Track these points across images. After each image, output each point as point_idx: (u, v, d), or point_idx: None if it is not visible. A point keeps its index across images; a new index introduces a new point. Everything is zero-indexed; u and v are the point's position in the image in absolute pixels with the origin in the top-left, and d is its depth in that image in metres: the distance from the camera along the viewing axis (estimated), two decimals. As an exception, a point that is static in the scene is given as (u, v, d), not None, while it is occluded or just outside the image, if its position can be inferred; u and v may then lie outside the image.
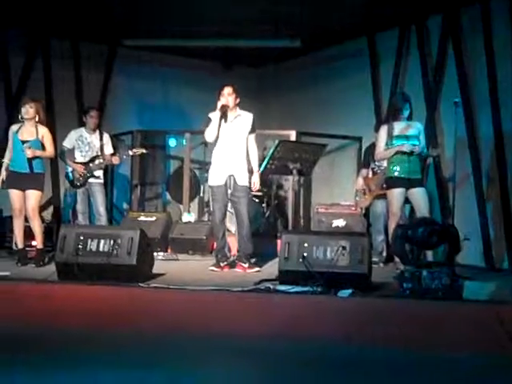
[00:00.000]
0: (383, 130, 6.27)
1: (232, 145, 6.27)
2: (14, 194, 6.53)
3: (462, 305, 4.38)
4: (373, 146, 7.40)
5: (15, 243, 7.85)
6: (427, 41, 8.32)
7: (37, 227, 6.56)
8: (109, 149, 7.77)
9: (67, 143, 7.71)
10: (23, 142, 6.50)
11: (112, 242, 5.13)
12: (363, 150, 8.33)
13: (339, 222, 7.97)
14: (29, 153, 6.41)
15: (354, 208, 8.02)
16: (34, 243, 7.83)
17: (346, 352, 3.96)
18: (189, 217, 8.53)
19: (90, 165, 7.60)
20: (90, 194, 7.63)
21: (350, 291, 4.56)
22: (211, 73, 10.24)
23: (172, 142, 9.90)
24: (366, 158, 7.49)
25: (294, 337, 4.17)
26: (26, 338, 4.17)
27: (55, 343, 4.09)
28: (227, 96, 6.24)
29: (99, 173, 7.65)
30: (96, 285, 4.88)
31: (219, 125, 6.22)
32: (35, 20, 8.87)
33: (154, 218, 8.23)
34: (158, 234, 7.87)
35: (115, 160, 7.77)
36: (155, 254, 6.45)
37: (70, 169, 7.65)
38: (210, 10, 8.19)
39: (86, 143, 7.67)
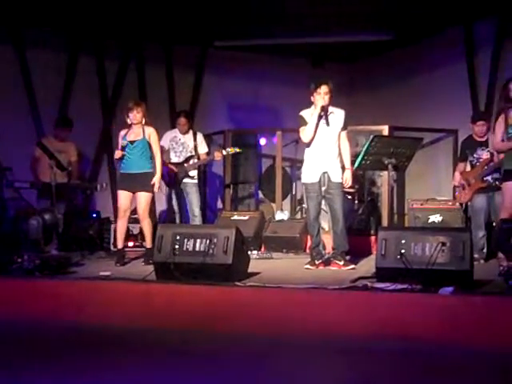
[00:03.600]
0: (501, 118, 5.94)
1: (325, 142, 6.18)
2: (123, 195, 6.67)
3: None
4: (470, 139, 7.18)
5: (113, 244, 8.12)
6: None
7: (147, 227, 6.66)
8: (203, 148, 7.86)
9: (161, 144, 7.84)
10: (131, 143, 6.64)
11: (208, 241, 5.14)
12: (459, 142, 8.08)
13: (436, 218, 7.76)
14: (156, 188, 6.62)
15: (451, 203, 7.78)
16: (130, 244, 8.08)
17: (449, 353, 3.82)
18: (282, 215, 8.52)
19: (185, 165, 7.71)
20: (184, 195, 7.74)
21: (451, 289, 4.39)
22: (301, 70, 10.19)
23: (262, 141, 9.92)
24: (464, 152, 7.24)
25: (394, 337, 4.07)
26: (125, 337, 4.25)
27: (153, 343, 4.14)
28: (324, 95, 6.08)
29: (194, 173, 7.74)
30: (193, 284, 4.91)
31: (317, 126, 6.13)
32: (129, 25, 9.11)
33: (247, 217, 8.26)
34: (251, 232, 7.89)
35: (217, 156, 7.84)
36: (249, 252, 6.45)
37: (165, 169, 7.79)
38: (300, 6, 8.16)
39: (180, 144, 7.80)
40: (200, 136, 7.90)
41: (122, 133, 6.76)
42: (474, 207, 7.11)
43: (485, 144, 7.00)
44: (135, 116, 6.64)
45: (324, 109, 6.09)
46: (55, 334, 4.40)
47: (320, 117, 6.12)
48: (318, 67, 10.49)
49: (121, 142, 6.69)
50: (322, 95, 6.07)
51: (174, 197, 7.81)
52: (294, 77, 9.91)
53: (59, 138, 8.13)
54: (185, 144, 7.80)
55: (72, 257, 6.39)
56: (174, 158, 7.77)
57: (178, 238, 5.24)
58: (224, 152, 8.02)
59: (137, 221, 8.07)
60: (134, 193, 6.64)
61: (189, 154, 7.77)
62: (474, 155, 7.02)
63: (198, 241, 5.20)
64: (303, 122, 6.19)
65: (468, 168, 7.18)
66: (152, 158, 6.71)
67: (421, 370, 3.50)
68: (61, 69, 9.34)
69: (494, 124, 6.06)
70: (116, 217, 9.09)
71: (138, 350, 3.93)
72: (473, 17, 8.78)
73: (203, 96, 10.32)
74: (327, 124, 6.12)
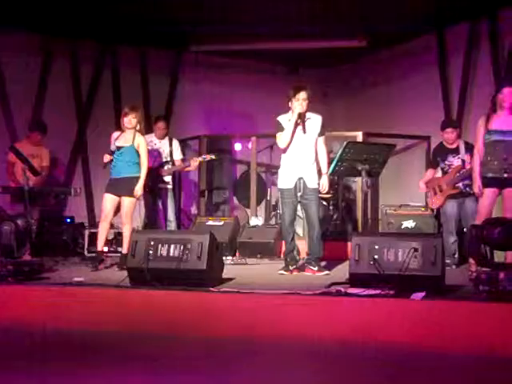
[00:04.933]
0: (481, 122, 5.83)
1: (302, 148, 6.20)
2: (108, 198, 6.65)
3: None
4: (441, 146, 7.27)
5: (87, 249, 8.08)
6: (499, 33, 8.10)
7: (127, 233, 6.62)
8: (178, 155, 7.85)
9: None
10: (118, 148, 6.63)
11: (182, 246, 5.15)
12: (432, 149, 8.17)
13: (409, 223, 7.84)
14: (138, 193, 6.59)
15: (423, 209, 7.86)
16: (104, 249, 8.03)
17: (421, 357, 3.86)
18: (256, 220, 8.54)
19: (160, 170, 7.69)
20: (159, 200, 7.71)
21: (422, 294, 4.44)
22: (276, 75, 10.26)
23: (238, 146, 9.93)
24: (435, 158, 7.33)
25: (367, 341, 4.10)
26: (98, 343, 4.24)
27: (126, 348, 4.13)
28: (302, 101, 6.08)
29: (168, 178, 7.73)
30: (167, 289, 4.91)
31: (294, 132, 6.15)
32: (103, 29, 9.07)
33: (221, 223, 8.26)
34: (226, 238, 7.89)
35: (193, 164, 7.79)
36: (224, 258, 6.46)
37: None
38: (274, 12, 8.20)
39: (156, 149, 7.77)
40: (176, 142, 7.89)
41: (115, 135, 6.73)
42: (445, 213, 7.20)
43: (455, 151, 7.10)
44: (130, 121, 6.62)
45: (301, 116, 6.11)
46: (27, 339, 4.37)
47: (297, 124, 6.14)
48: (293, 73, 10.56)
49: (112, 146, 6.66)
50: (300, 101, 6.07)
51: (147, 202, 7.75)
52: (269, 83, 9.96)
53: (33, 142, 8.08)
54: (160, 149, 7.79)
55: (45, 262, 6.34)
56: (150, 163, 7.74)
57: (152, 243, 5.23)
58: (200, 159, 8.00)
59: (110, 226, 8.03)
60: (119, 197, 6.63)
61: (164, 160, 7.75)
62: (446, 162, 7.12)
63: (173, 246, 5.20)
64: (280, 128, 6.20)
65: (439, 174, 7.27)
66: (139, 164, 6.69)
67: (393, 374, 3.53)
68: (35, 72, 9.27)
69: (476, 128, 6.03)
70: (90, 222, 9.14)
71: (111, 355, 3.91)
72: (445, 23, 8.89)
73: (178, 101, 10.31)
74: (304, 131, 6.16)
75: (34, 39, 9.19)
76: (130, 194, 6.60)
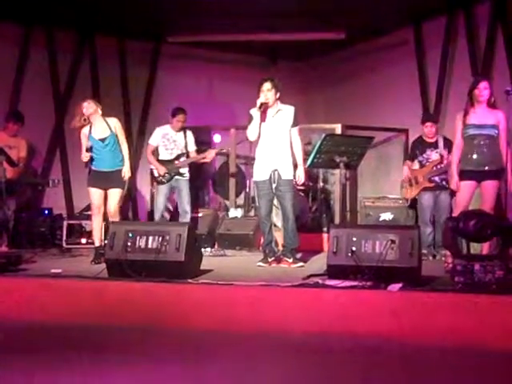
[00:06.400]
0: (459, 116, 5.88)
1: (275, 139, 6.22)
2: (96, 193, 6.59)
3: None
4: (420, 139, 7.33)
5: (65, 241, 8.05)
6: (475, 28, 8.17)
7: None
8: (192, 146, 7.82)
9: (152, 141, 7.79)
10: (101, 141, 6.54)
11: (160, 238, 5.15)
12: (410, 142, 8.22)
13: (386, 216, 7.91)
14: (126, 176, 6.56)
15: (401, 201, 7.93)
16: (83, 241, 8.04)
17: (398, 348, 3.91)
18: (235, 212, 8.55)
19: (176, 162, 7.66)
20: (176, 192, 7.68)
21: (399, 285, 4.49)
22: (256, 67, 10.25)
23: (217, 138, 9.92)
24: (413, 151, 7.40)
25: (344, 332, 4.14)
26: (76, 335, 4.23)
27: (103, 340, 4.13)
28: (266, 92, 6.14)
29: (185, 170, 7.70)
30: (145, 281, 4.91)
31: (260, 123, 6.18)
32: (81, 18, 9.01)
33: (200, 214, 8.27)
34: (205, 230, 7.90)
35: (207, 159, 7.83)
36: (202, 250, 6.47)
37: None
38: (254, 3, 8.19)
39: (172, 141, 7.74)
40: (190, 134, 7.85)
41: (85, 131, 6.61)
42: (421, 204, 7.29)
43: (434, 145, 7.17)
44: (87, 108, 6.53)
45: (263, 105, 6.13)
46: (4, 332, 4.35)
47: (261, 114, 6.16)
48: (271, 65, 10.56)
49: (86, 144, 6.55)
50: (264, 92, 6.13)
51: (163, 194, 7.69)
52: (248, 74, 9.94)
53: (9, 133, 8.01)
54: (177, 142, 7.75)
55: (23, 254, 6.30)
56: (166, 155, 7.70)
57: (130, 235, 5.22)
58: (216, 150, 8.03)
59: (89, 218, 8.01)
60: (105, 190, 6.58)
61: (180, 152, 7.72)
62: (424, 155, 7.21)
63: (151, 238, 5.19)
64: (251, 120, 6.23)
65: (416, 166, 7.33)
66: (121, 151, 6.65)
67: (370, 365, 3.57)
68: (12, 62, 9.18)
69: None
70: (68, 213, 9.09)
71: (88, 347, 3.91)
72: (422, 17, 8.94)
73: (157, 92, 10.28)
74: (263, 120, 6.16)
75: (11, 29, 9.09)
76: (119, 185, 6.56)
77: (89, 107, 6.55)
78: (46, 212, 8.64)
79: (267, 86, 6.15)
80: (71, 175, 9.56)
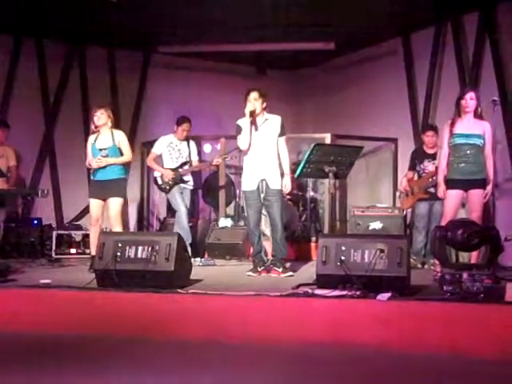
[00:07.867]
0: (446, 125, 5.96)
1: (262, 149, 6.24)
2: (95, 204, 6.59)
3: (503, 307, 4.29)
4: (420, 149, 7.41)
5: (54, 251, 8.03)
6: (463, 38, 8.24)
7: None
8: (195, 155, 7.86)
9: (156, 149, 7.80)
10: (101, 150, 6.56)
11: (150, 248, 5.14)
12: (399, 151, 8.28)
13: (376, 225, 7.92)
14: (101, 162, 6.49)
15: (391, 210, 7.96)
16: (72, 251, 8.02)
17: (387, 358, 3.91)
18: (225, 222, 8.55)
19: (180, 170, 7.67)
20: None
21: (388, 294, 4.50)
22: (245, 77, 10.26)
23: (207, 148, 9.94)
24: (413, 161, 7.47)
25: (334, 342, 4.14)
26: (66, 346, 4.21)
27: (92, 350, 4.12)
28: (253, 101, 6.18)
29: (188, 178, 7.73)
30: (134, 291, 4.90)
31: (250, 132, 6.21)
32: (71, 29, 9.01)
33: (190, 224, 8.25)
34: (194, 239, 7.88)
35: (212, 167, 8.01)
36: (192, 259, 6.46)
37: (158, 174, 7.76)
38: (243, 14, 8.22)
39: (177, 150, 7.76)
40: (193, 143, 7.90)
41: (91, 139, 6.68)
42: (416, 213, 7.36)
43: (433, 157, 7.22)
44: (99, 118, 6.57)
45: (252, 114, 6.16)
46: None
47: (251, 123, 6.19)
48: (261, 75, 10.59)
49: (91, 151, 6.60)
50: (252, 102, 6.17)
51: (177, 198, 7.65)
52: (238, 84, 9.94)
53: (-3, 141, 8.00)
54: (181, 150, 7.77)
55: (12, 264, 6.28)
56: (171, 164, 7.73)
57: (119, 245, 5.21)
58: (221, 159, 8.05)
59: (78, 228, 8.02)
60: (104, 200, 6.58)
61: (184, 160, 7.74)
62: (421, 166, 7.31)
63: (140, 248, 5.19)
64: (239, 131, 6.26)
65: (415, 177, 7.43)
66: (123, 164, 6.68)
67: (360, 375, 3.57)
68: (2, 72, 9.18)
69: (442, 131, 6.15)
70: (58, 223, 9.07)
71: (78, 358, 3.89)
72: (411, 28, 9.01)
73: (146, 102, 10.30)
74: (255, 129, 6.20)
75: (1, 39, 9.10)
76: (119, 195, 6.56)
77: (101, 118, 6.58)
78: (36, 222, 8.62)
79: (254, 95, 6.19)
80: (61, 185, 9.54)
